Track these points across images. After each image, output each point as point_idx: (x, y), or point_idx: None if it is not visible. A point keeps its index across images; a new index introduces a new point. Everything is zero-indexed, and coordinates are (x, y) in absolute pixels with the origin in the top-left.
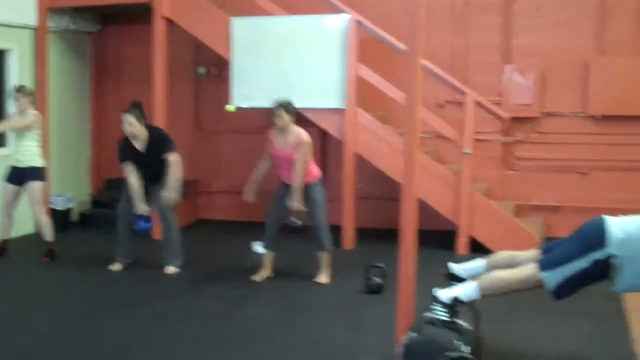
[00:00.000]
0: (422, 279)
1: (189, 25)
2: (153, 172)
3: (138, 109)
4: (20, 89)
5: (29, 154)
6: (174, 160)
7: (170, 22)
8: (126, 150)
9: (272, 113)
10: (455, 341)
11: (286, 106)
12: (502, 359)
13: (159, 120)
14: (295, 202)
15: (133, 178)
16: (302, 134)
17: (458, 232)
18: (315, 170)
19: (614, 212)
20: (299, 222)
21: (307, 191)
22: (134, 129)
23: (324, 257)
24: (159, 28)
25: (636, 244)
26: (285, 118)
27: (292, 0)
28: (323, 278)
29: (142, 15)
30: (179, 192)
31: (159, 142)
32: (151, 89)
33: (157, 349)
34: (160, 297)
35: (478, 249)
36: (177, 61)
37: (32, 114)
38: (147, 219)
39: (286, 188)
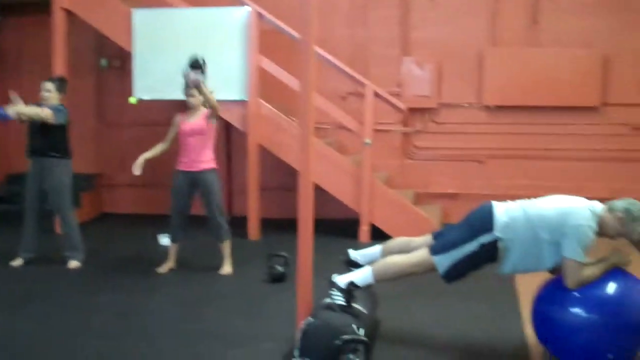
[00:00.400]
0: (325, 266)
1: (90, 17)
2: (43, 141)
3: (60, 81)
4: None
5: None
6: (44, 110)
7: (70, 13)
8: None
9: (185, 94)
10: (351, 324)
11: (199, 85)
12: (397, 340)
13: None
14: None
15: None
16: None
17: (360, 221)
18: (213, 158)
19: (510, 198)
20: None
21: (201, 177)
22: (50, 95)
23: (225, 248)
24: (59, 20)
25: (520, 228)
26: (198, 97)
27: None
28: (226, 269)
29: (42, 6)
30: (15, 112)
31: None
32: None
33: (58, 342)
34: (62, 292)
35: (380, 236)
36: (78, 53)
37: None
38: (5, 114)
39: (184, 176)
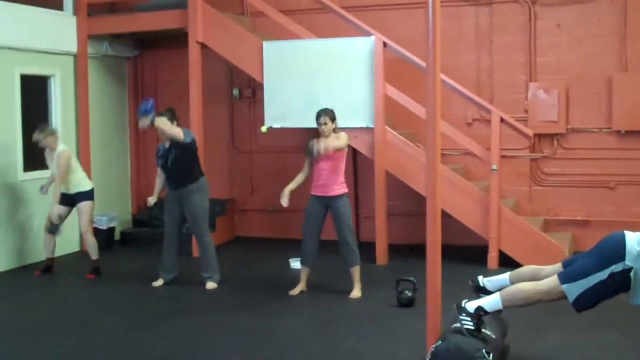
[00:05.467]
0: (454, 292)
1: (222, 49)
2: (179, 175)
3: (171, 112)
4: (42, 131)
5: (74, 183)
6: (176, 128)
7: (204, 46)
8: (159, 152)
9: (318, 122)
10: (480, 349)
11: (330, 114)
12: None
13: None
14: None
15: (159, 177)
16: (342, 133)
17: (489, 247)
18: (344, 183)
19: None
20: None
21: (334, 202)
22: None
23: (355, 272)
24: (194, 52)
25: None
26: (330, 126)
27: (320, 24)
28: (356, 292)
29: (178, 39)
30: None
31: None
32: (187, 111)
33: (194, 358)
34: (199, 311)
35: (508, 263)
36: (212, 83)
37: (60, 151)
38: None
39: (318, 201)
